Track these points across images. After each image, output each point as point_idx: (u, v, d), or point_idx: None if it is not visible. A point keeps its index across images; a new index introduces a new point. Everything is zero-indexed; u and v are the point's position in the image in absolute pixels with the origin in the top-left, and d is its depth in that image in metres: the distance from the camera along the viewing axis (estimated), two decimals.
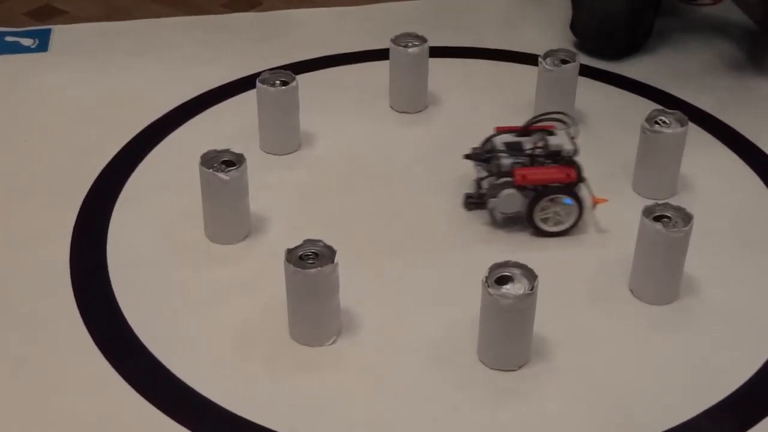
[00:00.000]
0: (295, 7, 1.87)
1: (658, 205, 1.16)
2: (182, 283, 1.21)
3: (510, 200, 1.25)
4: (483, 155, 1.30)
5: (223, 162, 1.23)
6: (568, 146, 1.28)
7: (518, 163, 1.27)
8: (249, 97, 1.51)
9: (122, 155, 1.44)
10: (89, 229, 1.30)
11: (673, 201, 1.20)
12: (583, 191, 1.27)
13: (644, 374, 1.09)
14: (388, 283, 1.21)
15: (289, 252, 1.08)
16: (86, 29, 1.79)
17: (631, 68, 1.67)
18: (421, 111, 1.56)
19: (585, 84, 1.55)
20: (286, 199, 1.36)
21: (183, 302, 1.18)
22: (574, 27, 1.71)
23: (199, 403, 1.04)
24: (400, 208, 1.35)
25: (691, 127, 1.34)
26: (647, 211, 1.15)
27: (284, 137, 1.45)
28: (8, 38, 1.73)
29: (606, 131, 1.50)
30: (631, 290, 1.19)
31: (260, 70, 1.45)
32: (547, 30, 1.78)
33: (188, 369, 1.08)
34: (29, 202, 1.34)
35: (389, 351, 1.11)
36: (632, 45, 1.71)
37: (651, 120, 1.32)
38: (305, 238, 1.10)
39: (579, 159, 1.27)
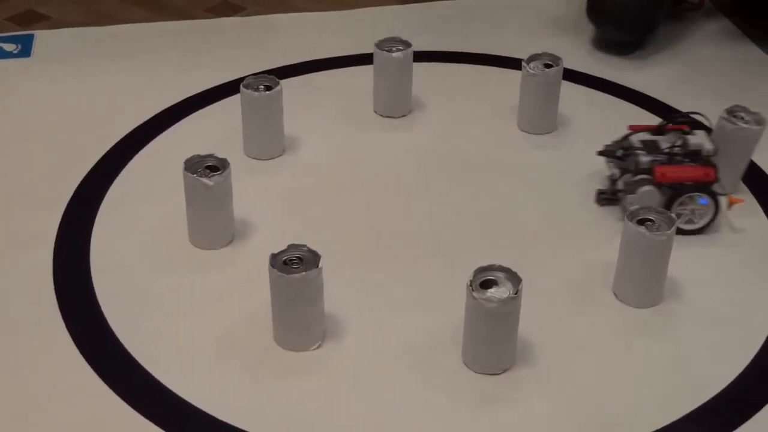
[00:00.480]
0: (279, 12, 1.88)
1: (641, 208, 1.17)
2: (166, 288, 1.21)
3: (648, 197, 1.26)
4: (618, 152, 1.32)
5: (207, 167, 1.23)
6: (708, 146, 1.29)
7: (657, 160, 1.28)
8: (233, 102, 1.51)
9: (105, 161, 1.44)
10: (73, 235, 1.29)
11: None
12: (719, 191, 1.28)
13: (628, 377, 1.09)
14: (374, 287, 1.21)
15: (274, 257, 1.08)
16: (69, 34, 1.79)
17: (613, 72, 1.69)
18: (405, 115, 1.56)
19: (568, 88, 1.56)
20: (271, 203, 1.36)
21: (167, 308, 1.18)
22: (594, 8, 1.71)
23: (184, 410, 1.04)
24: (384, 212, 1.35)
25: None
26: (631, 215, 1.16)
27: (268, 142, 1.45)
28: None
29: (591, 135, 1.51)
30: (614, 294, 1.20)
31: (244, 74, 1.46)
32: (531, 35, 1.79)
33: (172, 375, 1.08)
34: (11, 209, 1.34)
35: (374, 355, 1.11)
36: (649, 29, 1.72)
37: (732, 113, 1.35)
38: (289, 243, 1.10)
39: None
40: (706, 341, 1.14)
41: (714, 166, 1.27)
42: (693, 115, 1.35)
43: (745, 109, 1.35)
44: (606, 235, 1.25)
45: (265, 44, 1.76)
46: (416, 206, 1.36)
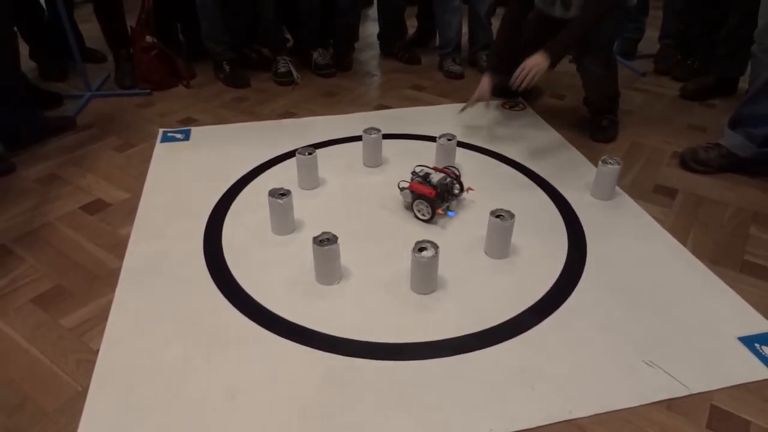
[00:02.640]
0: (314, 116, 1.88)
1: (497, 208, 1.18)
2: (261, 256, 1.21)
3: (407, 196, 1.28)
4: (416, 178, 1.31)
5: (279, 194, 1.25)
6: (436, 179, 1.29)
7: (416, 181, 1.28)
8: (291, 161, 1.51)
9: (227, 193, 1.43)
10: (212, 231, 1.29)
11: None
12: (437, 202, 1.27)
13: (491, 294, 1.11)
14: (366, 252, 1.21)
15: (314, 238, 1.10)
16: (208, 129, 1.77)
17: (496, 145, 1.65)
18: (379, 166, 1.56)
19: (460, 151, 1.57)
20: (312, 211, 1.35)
21: (260, 265, 1.18)
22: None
23: (269, 315, 1.06)
24: (371, 215, 1.35)
25: (521, 178, 1.38)
26: (492, 213, 1.17)
27: (311, 180, 1.45)
28: (169, 134, 1.72)
29: (476, 175, 1.52)
30: (485, 252, 1.21)
31: (296, 147, 1.46)
32: (440, 126, 1.79)
33: (265, 298, 1.09)
34: (178, 218, 1.33)
35: (366, 286, 1.12)
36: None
37: (604, 161, 1.35)
38: (322, 231, 1.12)
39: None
40: (532, 272, 1.16)
41: (436, 188, 1.26)
42: (451, 167, 1.34)
43: (611, 158, 1.35)
44: (481, 223, 1.26)
45: (309, 132, 1.76)
46: (386, 211, 1.36)
